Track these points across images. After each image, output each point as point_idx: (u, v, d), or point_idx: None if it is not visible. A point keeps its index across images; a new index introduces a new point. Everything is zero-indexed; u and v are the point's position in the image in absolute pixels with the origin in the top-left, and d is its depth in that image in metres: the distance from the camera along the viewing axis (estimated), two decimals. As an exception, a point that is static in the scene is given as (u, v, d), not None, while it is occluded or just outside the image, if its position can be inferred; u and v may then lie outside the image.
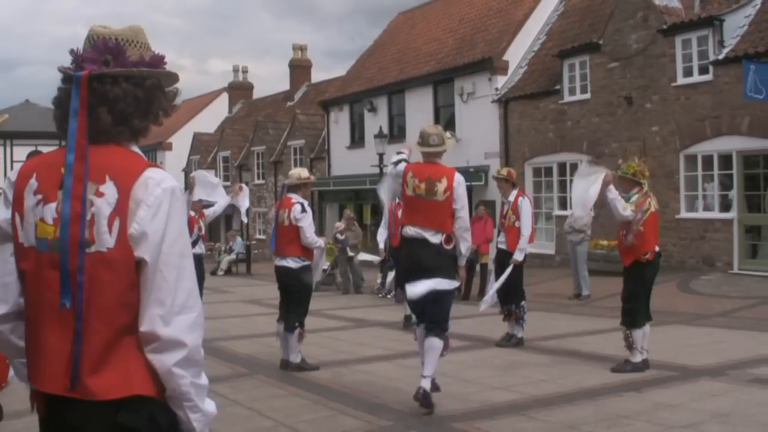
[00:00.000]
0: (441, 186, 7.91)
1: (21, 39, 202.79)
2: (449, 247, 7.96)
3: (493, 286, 11.67)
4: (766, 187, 19.84)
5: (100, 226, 2.47)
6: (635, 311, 9.66)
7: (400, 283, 13.99)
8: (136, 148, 2.71)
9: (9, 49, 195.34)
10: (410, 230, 8.03)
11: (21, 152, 43.88)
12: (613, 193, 9.39)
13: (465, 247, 8.18)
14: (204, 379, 2.63)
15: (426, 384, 7.73)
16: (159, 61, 2.71)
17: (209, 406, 2.65)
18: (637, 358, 9.66)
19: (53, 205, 2.53)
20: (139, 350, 2.52)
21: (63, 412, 2.53)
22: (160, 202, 2.52)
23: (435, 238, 7.89)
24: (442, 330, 7.92)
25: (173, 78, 2.78)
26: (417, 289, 7.81)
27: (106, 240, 2.47)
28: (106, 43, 2.61)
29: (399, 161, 8.37)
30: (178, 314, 2.51)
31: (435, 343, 7.82)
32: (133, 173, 2.54)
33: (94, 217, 2.48)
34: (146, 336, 2.50)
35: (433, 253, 7.88)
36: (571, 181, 24.98)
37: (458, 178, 8.06)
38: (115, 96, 2.58)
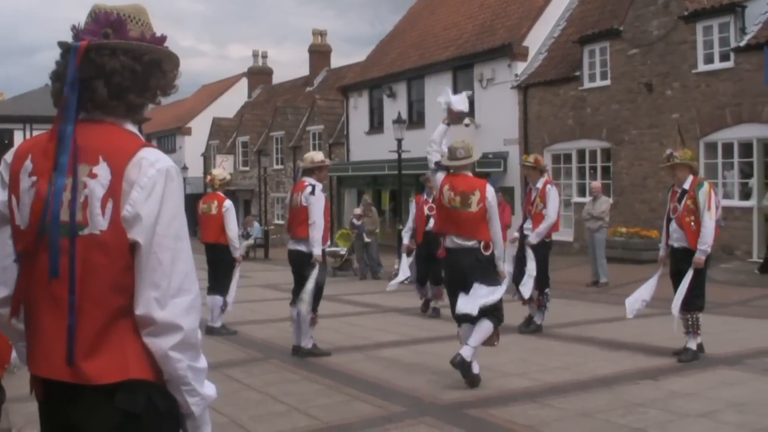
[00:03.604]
0: (474, 198, 8.35)
1: (42, 24, 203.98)
2: (487, 253, 8.41)
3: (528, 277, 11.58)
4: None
5: (93, 208, 2.43)
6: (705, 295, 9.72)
7: (421, 281, 14.05)
8: (131, 127, 2.66)
9: (30, 35, 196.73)
10: (449, 240, 8.48)
11: (41, 136, 43.98)
12: (703, 255, 9.39)
13: (498, 250, 8.59)
14: (202, 362, 2.58)
15: (466, 352, 8.15)
16: (160, 41, 2.66)
17: (208, 389, 2.61)
18: (699, 340, 9.63)
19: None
20: (135, 334, 2.47)
21: (59, 397, 2.49)
22: (154, 183, 2.46)
23: (471, 245, 8.33)
24: (497, 318, 8.43)
25: (173, 59, 2.72)
26: (466, 307, 8.21)
27: (99, 222, 2.43)
28: (107, 17, 2.56)
29: (437, 166, 8.77)
30: (173, 297, 2.46)
31: (486, 323, 8.29)
32: (126, 153, 2.49)
33: (87, 199, 2.43)
34: (142, 319, 2.45)
35: (472, 260, 8.31)
36: (591, 168, 25.01)
37: (490, 190, 8.54)
38: (112, 68, 2.52)
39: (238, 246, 12.15)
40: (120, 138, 2.55)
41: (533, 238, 11.58)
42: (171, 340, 2.45)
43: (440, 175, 8.64)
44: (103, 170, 2.45)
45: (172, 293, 2.45)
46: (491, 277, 8.44)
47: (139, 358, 2.47)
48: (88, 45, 2.52)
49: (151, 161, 2.49)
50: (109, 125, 2.57)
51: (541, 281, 11.82)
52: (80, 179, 2.45)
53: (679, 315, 9.52)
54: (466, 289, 8.29)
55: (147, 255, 2.44)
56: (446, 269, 8.75)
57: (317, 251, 9.89)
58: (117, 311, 2.45)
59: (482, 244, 8.34)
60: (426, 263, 13.57)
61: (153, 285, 2.43)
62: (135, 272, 2.45)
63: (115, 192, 2.44)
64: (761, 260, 18.62)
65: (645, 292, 10.03)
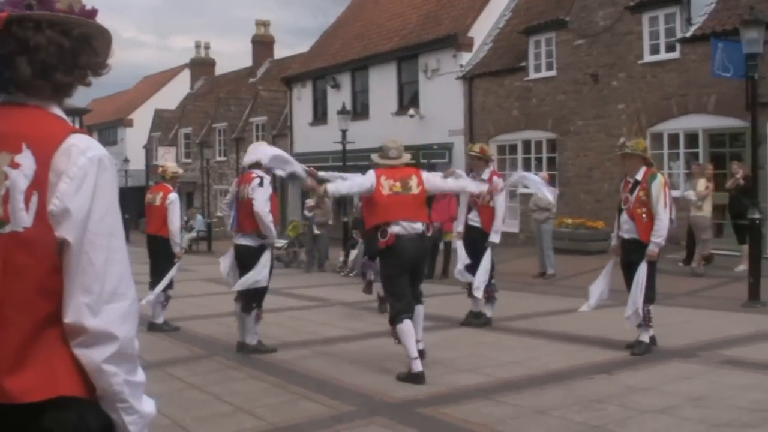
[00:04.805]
0: (413, 182, 8.73)
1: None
2: (429, 234, 8.84)
3: (466, 265, 11.37)
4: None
5: (16, 203, 2.12)
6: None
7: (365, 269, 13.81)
8: (58, 111, 2.34)
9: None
10: (396, 227, 8.51)
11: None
12: (656, 248, 9.34)
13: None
14: (140, 376, 2.28)
15: (421, 346, 8.86)
16: (91, 14, 2.36)
17: (147, 405, 2.31)
18: (651, 332, 9.49)
19: None
20: (64, 344, 2.16)
21: None
22: (84, 173, 2.16)
23: (418, 227, 8.58)
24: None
25: (106, 36, 2.41)
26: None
27: (23, 218, 2.12)
28: None
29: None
30: (107, 303, 2.16)
31: (422, 309, 9.08)
32: (53, 140, 2.18)
33: (9, 192, 2.13)
34: (71, 328, 2.14)
35: (421, 243, 8.65)
36: (537, 159, 25.00)
37: (424, 172, 9.13)
38: (36, 44, 2.21)
39: (179, 242, 11.84)
40: (46, 123, 2.25)
41: (494, 238, 11.41)
42: (105, 352, 2.15)
43: (370, 173, 8.81)
44: (26, 159, 2.15)
45: (105, 298, 2.15)
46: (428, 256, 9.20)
47: (69, 372, 2.16)
48: (8, 17, 2.20)
49: (81, 149, 2.19)
50: (34, 108, 2.27)
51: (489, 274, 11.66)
52: (0, 169, 2.16)
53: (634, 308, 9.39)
54: (414, 277, 8.75)
55: (77, 255, 2.14)
56: (395, 259, 8.53)
57: (271, 239, 9.99)
58: (44, 319, 2.14)
59: (426, 225, 8.69)
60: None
61: (84, 289, 2.13)
62: (64, 275, 2.16)
63: (40, 184, 2.14)
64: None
65: (603, 281, 9.93)
